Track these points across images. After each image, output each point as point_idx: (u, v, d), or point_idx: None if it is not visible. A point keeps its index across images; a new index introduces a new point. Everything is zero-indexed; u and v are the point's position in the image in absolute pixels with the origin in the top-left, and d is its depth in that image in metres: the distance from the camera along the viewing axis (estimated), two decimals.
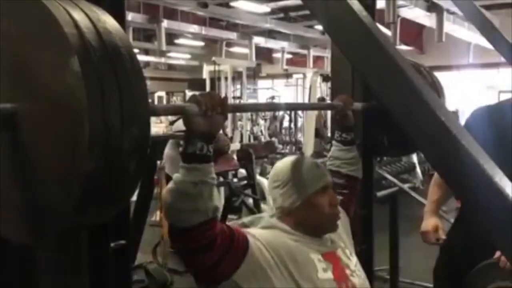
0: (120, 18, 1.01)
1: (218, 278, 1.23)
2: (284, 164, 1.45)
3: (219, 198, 1.23)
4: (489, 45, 1.97)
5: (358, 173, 1.68)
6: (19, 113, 0.90)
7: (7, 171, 0.96)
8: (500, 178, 0.68)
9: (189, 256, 1.22)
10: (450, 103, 2.12)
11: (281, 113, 11.65)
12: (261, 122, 11.94)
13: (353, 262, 1.44)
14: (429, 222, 2.09)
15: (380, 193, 3.52)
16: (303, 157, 1.49)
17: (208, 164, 1.15)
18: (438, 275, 2.21)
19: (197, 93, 1.17)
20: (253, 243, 1.27)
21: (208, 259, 1.19)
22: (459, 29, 9.02)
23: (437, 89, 1.90)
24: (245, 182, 5.16)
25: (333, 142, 1.69)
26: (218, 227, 1.22)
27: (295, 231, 1.37)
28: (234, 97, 9.42)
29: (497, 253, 1.76)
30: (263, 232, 1.35)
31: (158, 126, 8.63)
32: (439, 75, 2.03)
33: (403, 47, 10.94)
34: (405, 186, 4.57)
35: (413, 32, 11.90)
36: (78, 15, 0.84)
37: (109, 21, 0.89)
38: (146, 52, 15.41)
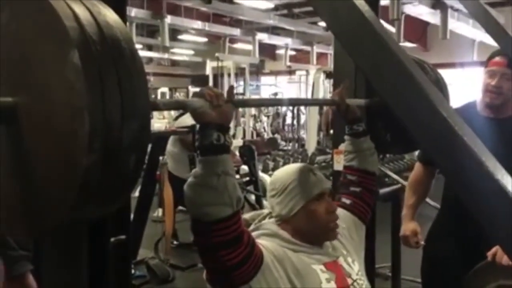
0: (121, 11, 1.00)
1: (236, 281, 1.19)
2: (280, 172, 1.43)
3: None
4: (493, 43, 1.95)
5: (372, 167, 1.60)
6: (19, 106, 0.89)
7: (7, 166, 0.96)
8: (502, 175, 0.68)
9: (212, 253, 1.16)
10: (455, 101, 2.13)
11: (284, 109, 11.64)
12: (264, 118, 11.95)
13: (355, 270, 1.40)
14: (407, 227, 2.21)
15: (382, 190, 3.49)
16: (301, 166, 1.44)
17: (227, 155, 1.12)
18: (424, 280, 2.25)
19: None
20: (267, 256, 1.25)
21: (235, 256, 1.15)
22: (464, 26, 8.99)
23: (441, 86, 1.89)
24: (247, 178, 5.17)
25: (345, 137, 1.63)
26: (243, 223, 1.19)
27: (295, 240, 1.35)
28: (237, 94, 9.43)
29: (490, 254, 1.78)
30: (267, 244, 1.32)
31: (160, 122, 8.63)
32: (443, 72, 2.02)
33: (407, 44, 10.92)
34: None
35: (418, 29, 11.87)
36: (78, 9, 0.84)
37: (110, 15, 0.88)
38: (149, 48, 15.45)
